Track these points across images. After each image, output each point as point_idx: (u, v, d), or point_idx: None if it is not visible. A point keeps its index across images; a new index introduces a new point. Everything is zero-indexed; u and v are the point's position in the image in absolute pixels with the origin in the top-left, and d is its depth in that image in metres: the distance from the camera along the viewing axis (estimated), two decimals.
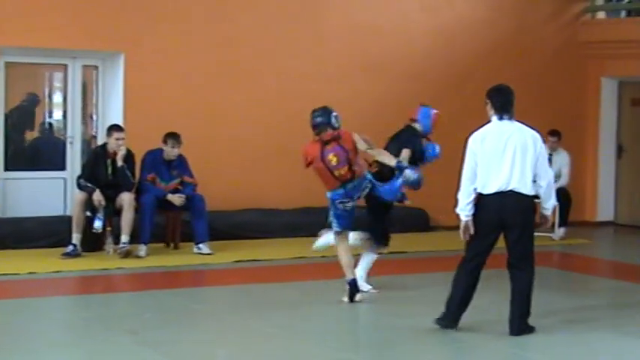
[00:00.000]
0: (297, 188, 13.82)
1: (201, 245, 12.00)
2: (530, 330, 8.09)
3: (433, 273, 11.31)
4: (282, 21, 13.94)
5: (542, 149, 8.22)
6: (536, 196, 8.11)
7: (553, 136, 14.25)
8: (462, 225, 8.04)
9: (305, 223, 13.52)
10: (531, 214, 8.11)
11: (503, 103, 8.23)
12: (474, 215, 7.98)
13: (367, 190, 9.29)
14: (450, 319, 8.12)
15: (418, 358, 7.64)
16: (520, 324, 8.05)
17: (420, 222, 14.43)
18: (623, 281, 11.36)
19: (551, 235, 14.09)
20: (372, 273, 11.10)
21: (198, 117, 13.35)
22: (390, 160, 9.24)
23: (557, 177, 14.15)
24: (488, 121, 8.27)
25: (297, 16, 14.05)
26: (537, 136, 8.22)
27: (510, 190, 7.91)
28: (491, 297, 8.95)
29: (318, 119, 9.22)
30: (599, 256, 13.60)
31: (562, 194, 14.16)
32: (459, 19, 15.15)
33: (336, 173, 9.18)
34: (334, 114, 9.25)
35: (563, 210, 14.17)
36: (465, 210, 8.00)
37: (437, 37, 14.96)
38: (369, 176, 9.32)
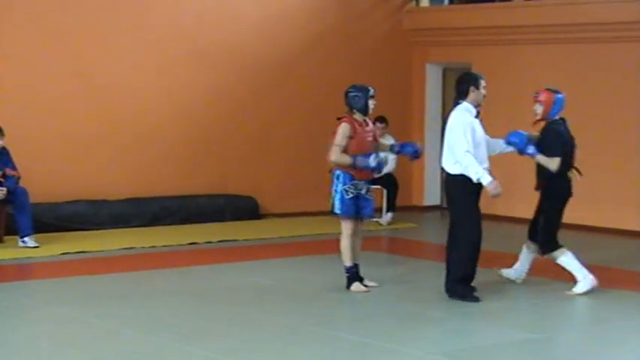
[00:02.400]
0: (125, 178, 13.66)
1: (26, 239, 11.70)
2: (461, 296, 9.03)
3: (264, 260, 11.37)
4: (108, 11, 13.67)
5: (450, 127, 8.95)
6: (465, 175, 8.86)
7: (380, 122, 14.43)
8: (493, 185, 8.82)
9: (134, 213, 13.39)
10: (454, 191, 9.04)
11: (457, 90, 9.19)
12: None
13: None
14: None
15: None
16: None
17: (249, 210, 14.43)
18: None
19: (379, 219, 14.34)
20: (203, 262, 11.12)
21: (23, 109, 13.00)
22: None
23: (385, 163, 14.36)
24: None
25: (123, 6, 13.81)
26: (454, 114, 9.01)
27: (442, 167, 9.11)
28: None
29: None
30: (425, 239, 13.91)
31: (389, 180, 14.44)
32: (287, 8, 15.18)
33: None
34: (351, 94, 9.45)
35: (390, 195, 14.43)
36: (484, 172, 8.85)
37: (265, 27, 14.95)
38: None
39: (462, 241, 9.02)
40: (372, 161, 9.22)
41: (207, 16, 14.42)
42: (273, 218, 14.67)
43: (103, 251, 11.68)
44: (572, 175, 9.47)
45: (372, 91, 9.38)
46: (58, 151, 13.31)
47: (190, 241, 12.40)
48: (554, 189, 9.39)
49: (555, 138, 9.30)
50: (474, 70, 15.70)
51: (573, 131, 9.57)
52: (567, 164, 9.38)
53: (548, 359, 7.52)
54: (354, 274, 9.44)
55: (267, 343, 7.69)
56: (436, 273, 11.23)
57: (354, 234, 9.44)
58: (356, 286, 9.40)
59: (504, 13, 15.17)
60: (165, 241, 12.38)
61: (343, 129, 9.23)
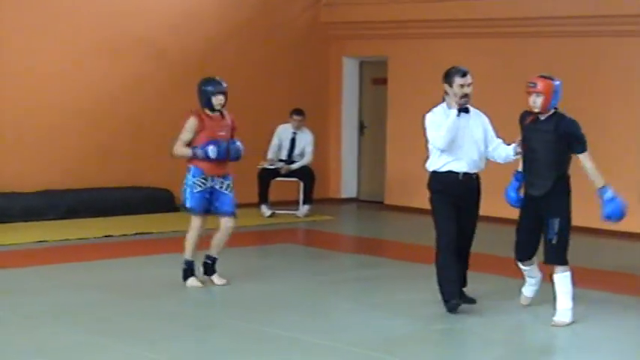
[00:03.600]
0: (39, 171, 13.47)
1: None
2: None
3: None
4: (22, 3, 13.44)
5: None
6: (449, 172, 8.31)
7: (298, 115, 14.47)
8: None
9: (47, 206, 13.19)
10: (429, 189, 8.44)
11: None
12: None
13: None
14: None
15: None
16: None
17: (165, 203, 14.31)
18: (364, 255, 11.71)
19: (295, 212, 14.37)
20: (118, 255, 11.04)
21: None
22: None
23: (301, 155, 14.42)
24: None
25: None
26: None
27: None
28: None
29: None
30: (342, 231, 13.96)
31: (306, 172, 14.46)
32: (201, 2, 15.07)
33: None
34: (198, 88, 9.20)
35: (307, 187, 14.45)
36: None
37: (181, 19, 14.82)
38: None
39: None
40: (210, 151, 8.95)
41: (123, 9, 14.24)
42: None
43: (15, 244, 11.49)
44: None
45: (218, 87, 9.02)
46: None
47: (105, 234, 12.27)
48: (567, 185, 8.13)
49: (579, 127, 8.05)
50: (390, 63, 15.86)
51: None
52: None
53: (459, 348, 7.61)
54: (190, 269, 9.23)
55: (183, 336, 7.65)
56: (351, 265, 11.34)
57: (204, 228, 9.26)
58: (191, 281, 9.20)
59: (420, 8, 15.26)
60: (80, 234, 12.23)
61: (189, 123, 9.04)
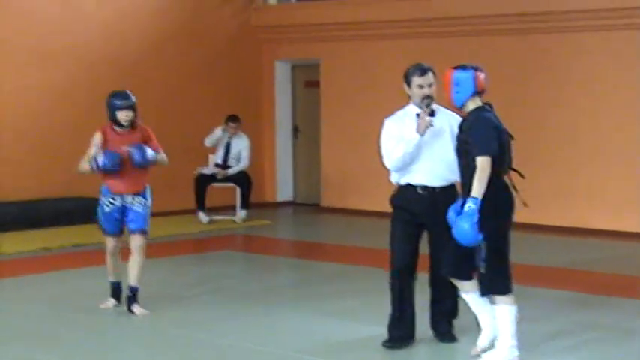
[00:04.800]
0: None
1: None
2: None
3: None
4: None
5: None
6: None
7: (233, 121, 14.44)
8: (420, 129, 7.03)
9: None
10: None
11: None
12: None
13: None
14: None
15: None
16: None
17: None
18: (301, 259, 11.75)
19: (233, 217, 14.36)
20: (57, 267, 10.91)
21: None
22: None
23: (237, 160, 14.41)
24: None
25: None
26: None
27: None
28: None
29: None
30: (279, 236, 14.00)
31: (242, 177, 14.45)
32: (131, 6, 14.99)
33: None
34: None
35: (244, 192, 14.44)
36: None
37: (109, 27, 14.68)
38: None
39: None
40: (99, 161, 8.51)
41: (51, 15, 14.11)
42: None
43: None
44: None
45: (124, 102, 8.57)
46: None
47: (42, 246, 12.13)
48: (495, 201, 6.72)
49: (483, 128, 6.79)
50: (322, 66, 15.92)
51: None
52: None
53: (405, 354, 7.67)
54: (112, 289, 8.87)
55: (129, 347, 7.63)
56: (290, 269, 11.37)
57: (117, 249, 8.84)
58: (106, 303, 8.87)
59: (349, 10, 15.36)
60: (15, 247, 12.06)
61: (94, 137, 8.72)
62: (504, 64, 13.57)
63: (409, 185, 7.22)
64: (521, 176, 6.96)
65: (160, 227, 13.65)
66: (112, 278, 8.92)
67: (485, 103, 6.88)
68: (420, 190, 7.20)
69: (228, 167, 14.42)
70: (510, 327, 6.78)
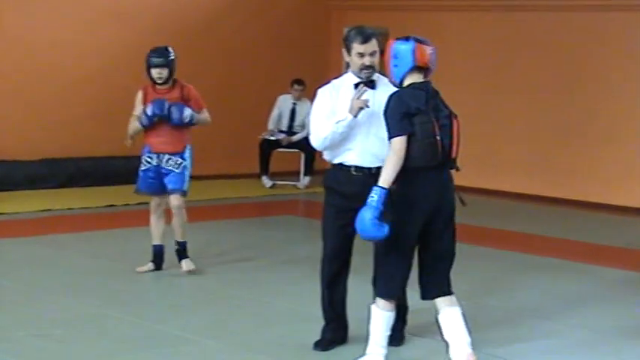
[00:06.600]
0: (40, 138, 13.45)
1: None
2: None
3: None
4: None
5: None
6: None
7: (299, 84, 14.53)
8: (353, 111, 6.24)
9: (49, 174, 13.21)
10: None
11: None
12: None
13: None
14: None
15: None
16: None
17: None
18: None
19: (296, 183, 14.43)
20: (121, 225, 11.06)
21: None
22: None
23: (302, 127, 14.44)
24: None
25: None
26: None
27: None
28: None
29: None
30: None
31: (307, 143, 14.43)
32: None
33: None
34: None
35: (308, 159, 14.48)
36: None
37: None
38: None
39: None
40: (148, 109, 8.43)
41: None
42: (195, 180, 14.57)
43: (17, 213, 11.52)
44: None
45: (155, 60, 8.47)
46: None
47: (108, 204, 12.30)
48: (401, 195, 5.86)
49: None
50: (391, 35, 15.79)
51: None
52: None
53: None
54: (153, 253, 8.77)
55: (192, 306, 7.73)
56: None
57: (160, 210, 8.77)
58: (144, 267, 8.77)
59: None
60: (83, 203, 12.26)
61: (137, 96, 8.70)
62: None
63: (342, 165, 6.37)
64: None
65: (225, 190, 13.83)
66: (155, 241, 8.79)
67: (424, 82, 6.01)
68: (353, 171, 6.33)
69: (294, 133, 14.49)
70: (378, 333, 5.98)
